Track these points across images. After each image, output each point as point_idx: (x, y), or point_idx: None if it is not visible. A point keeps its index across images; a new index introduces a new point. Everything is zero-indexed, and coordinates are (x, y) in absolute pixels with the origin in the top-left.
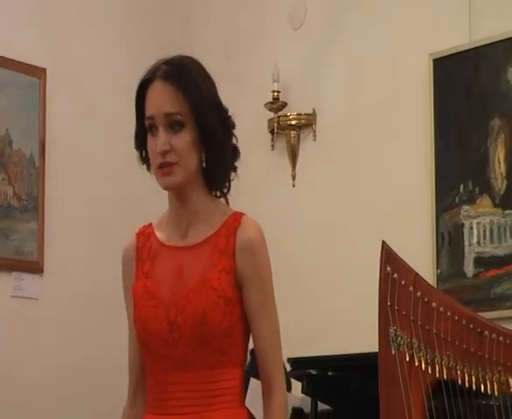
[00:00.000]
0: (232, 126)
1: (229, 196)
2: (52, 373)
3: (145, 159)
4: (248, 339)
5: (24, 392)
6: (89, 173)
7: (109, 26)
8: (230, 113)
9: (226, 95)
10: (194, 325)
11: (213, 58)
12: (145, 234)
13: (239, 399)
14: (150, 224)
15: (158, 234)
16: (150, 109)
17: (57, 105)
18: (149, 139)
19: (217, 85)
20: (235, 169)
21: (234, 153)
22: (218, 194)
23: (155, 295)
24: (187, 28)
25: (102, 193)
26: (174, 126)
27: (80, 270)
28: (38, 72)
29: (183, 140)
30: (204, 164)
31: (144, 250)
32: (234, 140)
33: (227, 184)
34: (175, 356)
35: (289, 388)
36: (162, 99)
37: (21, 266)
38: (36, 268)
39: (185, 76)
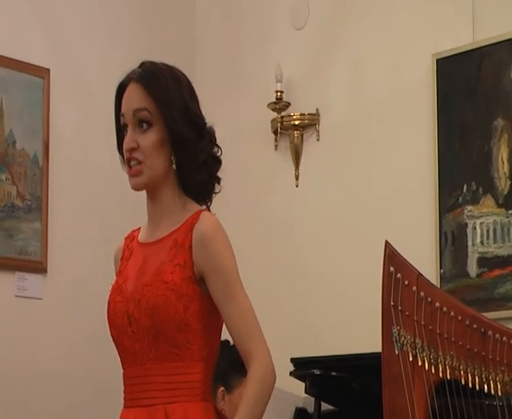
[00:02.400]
0: (209, 134)
1: (233, 196)
2: (56, 372)
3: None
4: (213, 335)
5: (27, 391)
6: (93, 173)
7: (113, 27)
8: (209, 123)
9: (230, 96)
10: (147, 317)
11: (216, 59)
12: (131, 237)
13: (200, 393)
14: (139, 228)
15: (139, 234)
16: (122, 108)
17: (60, 105)
18: (125, 138)
19: (220, 86)
20: (218, 180)
21: (214, 162)
22: (200, 202)
23: (121, 290)
24: (190, 29)
25: (106, 193)
26: (141, 124)
27: (84, 270)
28: (41, 72)
29: (150, 139)
30: (175, 167)
31: (127, 251)
32: (218, 151)
33: (205, 192)
34: (134, 349)
35: None
36: (131, 98)
37: (25, 266)
38: (39, 268)
39: (156, 77)
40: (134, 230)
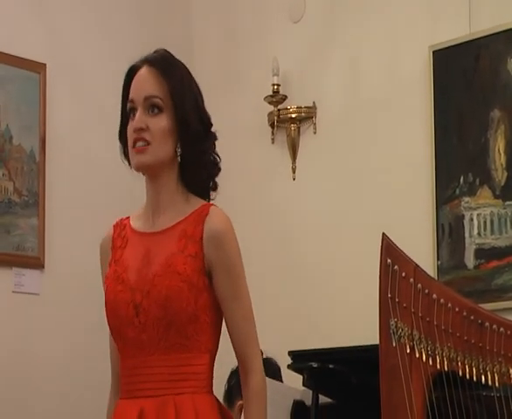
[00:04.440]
0: (214, 138)
1: (230, 190)
2: (54, 368)
3: (127, 154)
4: (219, 327)
5: (25, 387)
6: (90, 168)
7: (109, 22)
8: (213, 124)
9: (226, 89)
10: (158, 308)
11: (213, 53)
12: (121, 225)
13: (206, 385)
14: (128, 217)
15: (133, 223)
16: (132, 93)
17: (57, 100)
18: (129, 123)
19: (217, 79)
20: (215, 186)
21: (214, 167)
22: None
23: (123, 280)
24: (187, 24)
25: (103, 188)
26: (152, 108)
27: (81, 265)
28: (37, 68)
29: (160, 123)
30: (180, 159)
31: (119, 239)
32: (216, 156)
33: (204, 193)
34: (141, 339)
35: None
36: (144, 83)
37: (22, 262)
38: (37, 263)
39: (171, 65)
40: (122, 219)
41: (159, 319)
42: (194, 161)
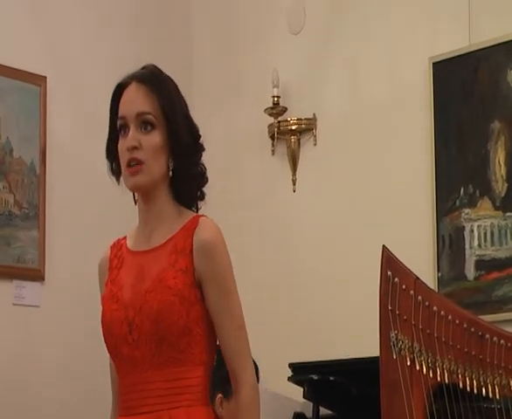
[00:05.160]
0: (202, 149)
1: (230, 202)
2: (54, 380)
3: (115, 170)
4: (213, 339)
5: (26, 399)
6: (90, 180)
7: (109, 34)
8: (201, 135)
9: (227, 101)
10: (150, 323)
11: (213, 64)
12: (118, 245)
13: (202, 397)
14: (125, 237)
15: (128, 242)
16: (123, 109)
17: (57, 112)
18: (120, 140)
19: (217, 91)
20: (203, 196)
21: (202, 178)
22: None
23: (118, 298)
24: (187, 36)
25: (103, 200)
26: (145, 125)
27: (81, 277)
28: (38, 80)
29: (153, 140)
30: (171, 173)
31: (115, 260)
32: (203, 166)
33: (191, 202)
34: (135, 356)
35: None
36: (135, 99)
37: (22, 274)
38: (37, 276)
39: (160, 81)
40: (119, 239)
41: (151, 334)
42: (185, 174)
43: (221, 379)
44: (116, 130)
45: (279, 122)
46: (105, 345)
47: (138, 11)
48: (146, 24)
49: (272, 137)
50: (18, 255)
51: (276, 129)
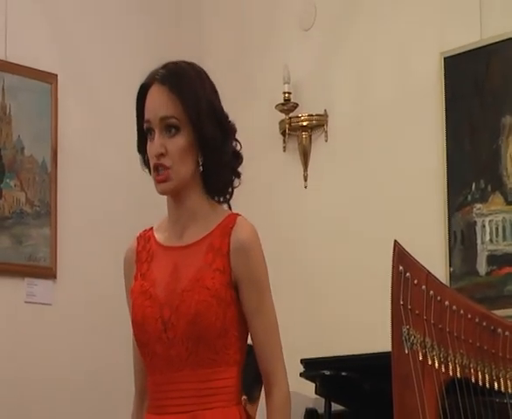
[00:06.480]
0: (233, 131)
1: (242, 198)
2: (66, 378)
3: (147, 162)
4: (245, 339)
5: (38, 397)
6: (101, 178)
7: (120, 33)
8: (230, 119)
9: (237, 98)
10: (187, 324)
11: (224, 62)
12: (145, 237)
13: (235, 398)
14: (151, 228)
15: (157, 236)
16: (147, 113)
17: (68, 110)
18: (148, 143)
19: (228, 88)
20: (239, 175)
21: (236, 158)
22: (221, 200)
23: (150, 295)
24: (198, 33)
25: (114, 198)
26: (169, 129)
27: (93, 275)
28: (49, 78)
29: (178, 144)
30: (202, 168)
31: (144, 252)
32: (237, 146)
33: (228, 190)
34: (170, 355)
35: None
36: (157, 103)
37: (34, 272)
38: (49, 274)
39: (181, 79)
40: (146, 230)
41: (188, 334)
42: (216, 167)
43: (248, 381)
44: (143, 130)
45: (290, 118)
46: (135, 340)
47: (149, 11)
48: (157, 23)
49: (283, 133)
50: (30, 253)
51: (287, 125)
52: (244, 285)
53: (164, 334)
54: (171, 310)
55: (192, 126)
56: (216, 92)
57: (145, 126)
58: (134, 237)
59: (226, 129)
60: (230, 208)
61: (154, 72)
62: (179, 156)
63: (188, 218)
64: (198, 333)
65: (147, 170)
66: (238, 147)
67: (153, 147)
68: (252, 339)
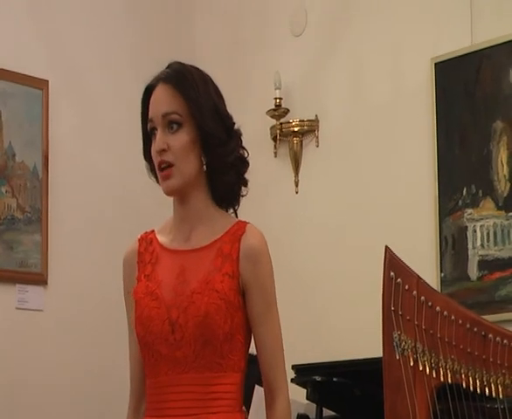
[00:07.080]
0: (238, 134)
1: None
2: (57, 384)
3: (154, 170)
4: (248, 346)
5: (29, 403)
6: (93, 184)
7: (112, 37)
8: (235, 122)
9: (228, 103)
10: (196, 326)
11: (215, 67)
12: (147, 239)
13: (237, 404)
14: (152, 231)
15: (160, 238)
16: (151, 112)
17: (59, 116)
18: (152, 144)
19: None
20: (245, 183)
21: (242, 163)
22: (228, 208)
23: (157, 296)
24: (189, 37)
25: (106, 204)
26: (171, 125)
27: (85, 281)
28: (40, 84)
29: (180, 139)
30: (205, 168)
31: (146, 254)
32: (243, 152)
33: (235, 197)
34: (176, 357)
35: None
36: (160, 101)
37: (25, 278)
38: (40, 280)
39: (184, 77)
40: (147, 233)
41: (196, 336)
42: (220, 167)
43: (248, 388)
44: (148, 135)
45: (281, 124)
46: (138, 340)
47: (140, 14)
48: (149, 27)
49: (274, 139)
50: (21, 259)
51: (278, 131)
52: (251, 291)
53: (171, 336)
54: (179, 311)
55: (195, 122)
56: (221, 96)
57: (148, 126)
58: (134, 240)
59: (230, 131)
60: (236, 216)
61: (159, 73)
62: (181, 153)
63: (194, 219)
64: (206, 336)
65: (154, 179)
66: (246, 155)
67: (155, 144)
68: (255, 346)
